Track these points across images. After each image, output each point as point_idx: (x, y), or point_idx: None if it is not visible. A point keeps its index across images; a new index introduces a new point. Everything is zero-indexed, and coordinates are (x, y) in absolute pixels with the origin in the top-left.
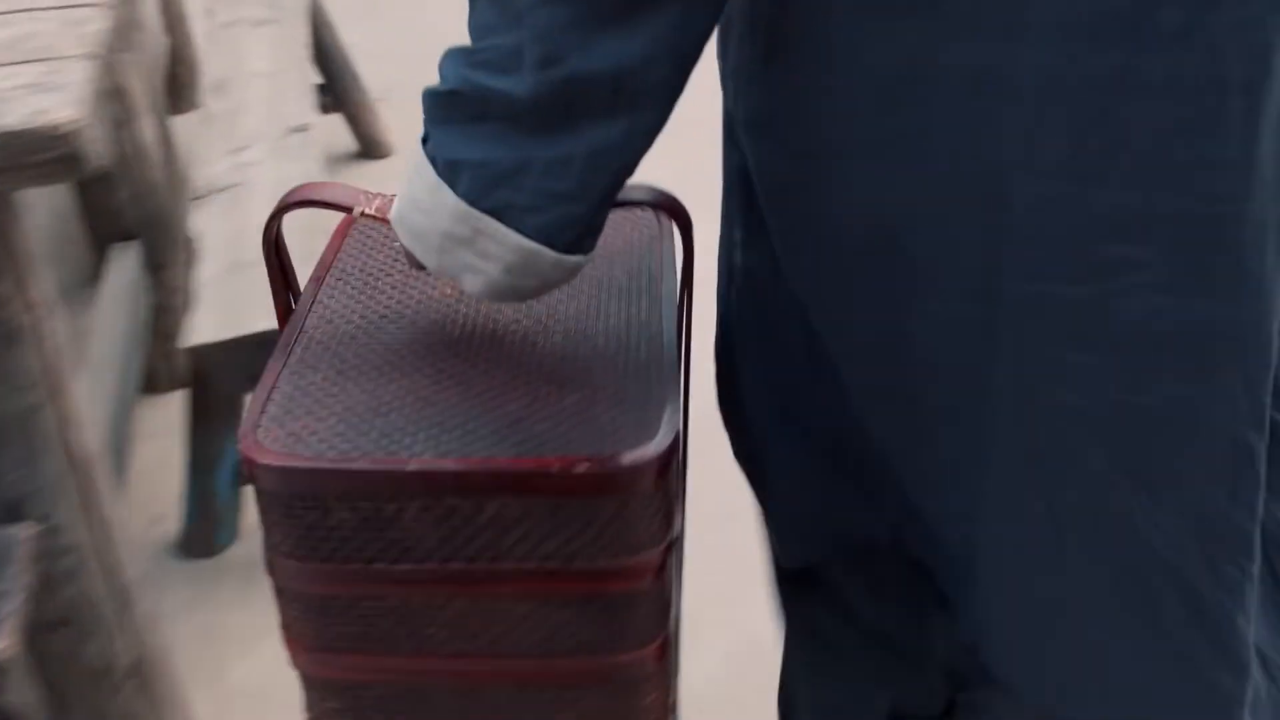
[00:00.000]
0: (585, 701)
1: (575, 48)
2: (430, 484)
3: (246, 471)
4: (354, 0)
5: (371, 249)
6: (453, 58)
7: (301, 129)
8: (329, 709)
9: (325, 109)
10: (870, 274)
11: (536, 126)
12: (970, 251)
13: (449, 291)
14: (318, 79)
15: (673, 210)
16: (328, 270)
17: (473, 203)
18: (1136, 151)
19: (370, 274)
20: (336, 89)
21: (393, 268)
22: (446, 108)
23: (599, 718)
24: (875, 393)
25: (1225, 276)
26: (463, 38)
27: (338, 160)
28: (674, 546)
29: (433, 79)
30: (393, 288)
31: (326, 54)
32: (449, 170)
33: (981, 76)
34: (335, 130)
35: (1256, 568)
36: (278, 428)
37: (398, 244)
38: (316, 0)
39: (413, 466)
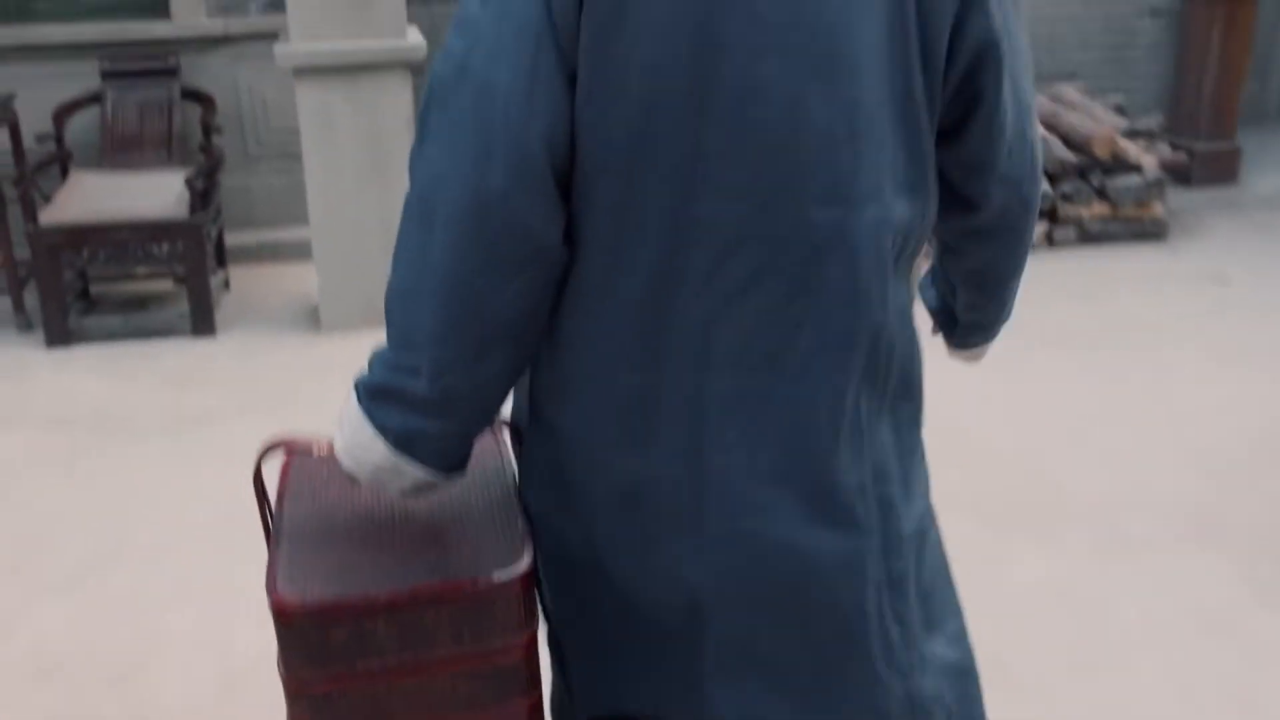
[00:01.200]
0: None
1: (450, 371)
2: (394, 602)
3: (280, 615)
4: None
5: (309, 475)
6: (383, 362)
7: None
8: None
9: None
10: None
11: (431, 412)
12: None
13: (367, 495)
14: None
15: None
16: (284, 492)
17: (394, 450)
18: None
19: (313, 489)
20: None
21: (328, 483)
22: (379, 392)
23: None
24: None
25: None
26: None
27: None
28: (535, 632)
29: None
30: (330, 495)
31: None
32: (380, 431)
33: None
34: None
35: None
36: (289, 585)
37: (326, 471)
38: None
39: (384, 595)
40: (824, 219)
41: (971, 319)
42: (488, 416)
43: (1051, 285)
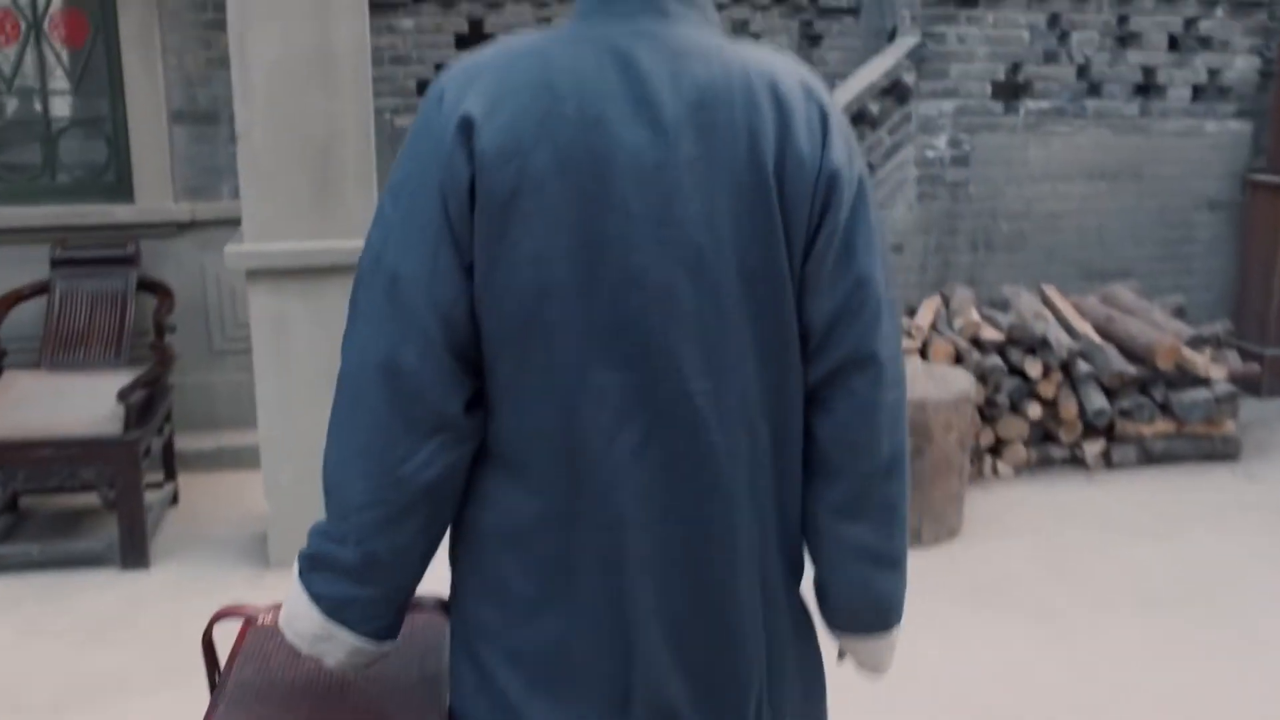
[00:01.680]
0: None
1: (372, 536)
2: None
3: None
4: None
5: (262, 643)
6: (317, 532)
7: None
8: None
9: None
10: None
11: (357, 577)
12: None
13: (312, 664)
14: None
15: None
16: (235, 658)
17: (326, 617)
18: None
19: (263, 657)
20: None
21: (277, 652)
22: (312, 562)
23: None
24: None
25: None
26: None
27: None
28: None
29: None
30: (275, 664)
31: None
32: (314, 599)
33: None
34: None
35: None
36: None
37: (278, 641)
38: None
39: None
40: (700, 390)
41: (839, 573)
42: (410, 582)
43: (1110, 516)
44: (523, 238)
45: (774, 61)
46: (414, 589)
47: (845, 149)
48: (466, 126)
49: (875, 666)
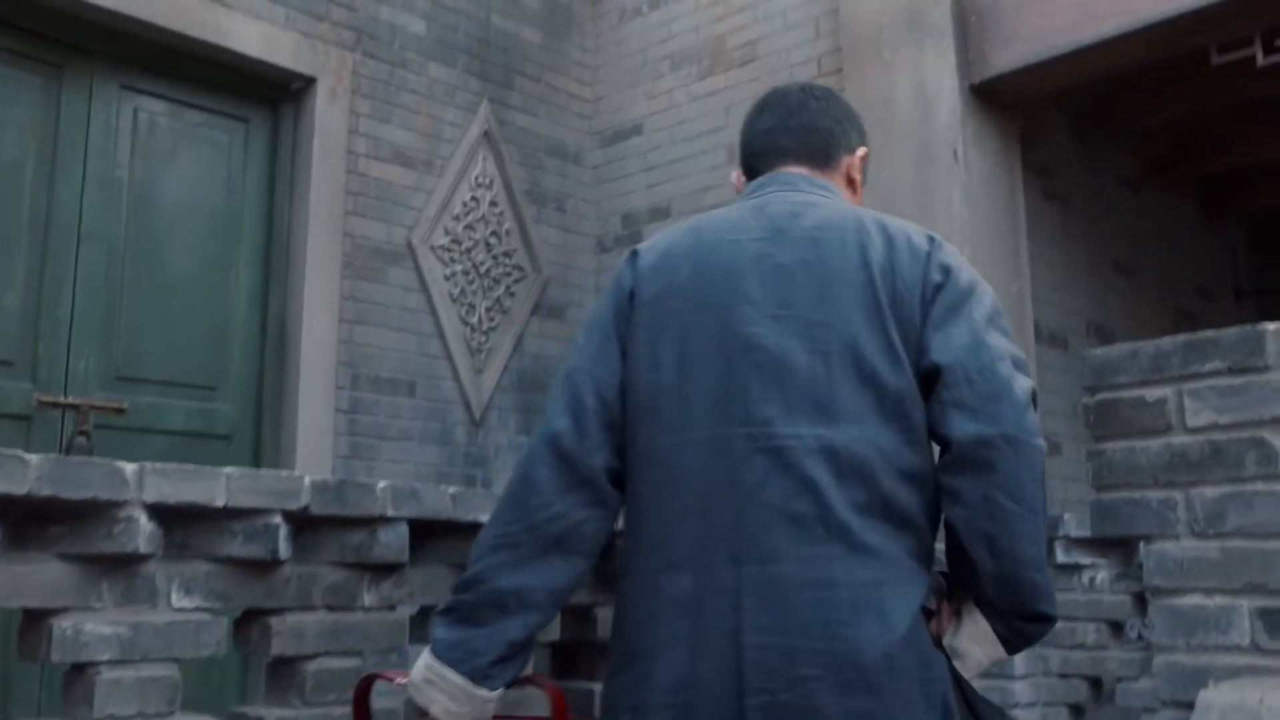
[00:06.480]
0: None
1: (496, 574)
2: None
3: None
4: None
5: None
6: (450, 592)
7: None
8: None
9: None
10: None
11: (471, 617)
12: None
13: None
14: None
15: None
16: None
17: (436, 659)
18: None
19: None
20: None
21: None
22: (438, 615)
23: None
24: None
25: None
26: None
27: None
28: None
29: None
30: None
31: None
32: (431, 645)
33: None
34: None
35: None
36: None
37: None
38: None
39: None
40: (801, 434)
41: (983, 592)
42: (520, 633)
43: None
44: (669, 325)
45: (894, 219)
46: (523, 643)
47: (941, 270)
48: (634, 256)
49: (986, 655)
